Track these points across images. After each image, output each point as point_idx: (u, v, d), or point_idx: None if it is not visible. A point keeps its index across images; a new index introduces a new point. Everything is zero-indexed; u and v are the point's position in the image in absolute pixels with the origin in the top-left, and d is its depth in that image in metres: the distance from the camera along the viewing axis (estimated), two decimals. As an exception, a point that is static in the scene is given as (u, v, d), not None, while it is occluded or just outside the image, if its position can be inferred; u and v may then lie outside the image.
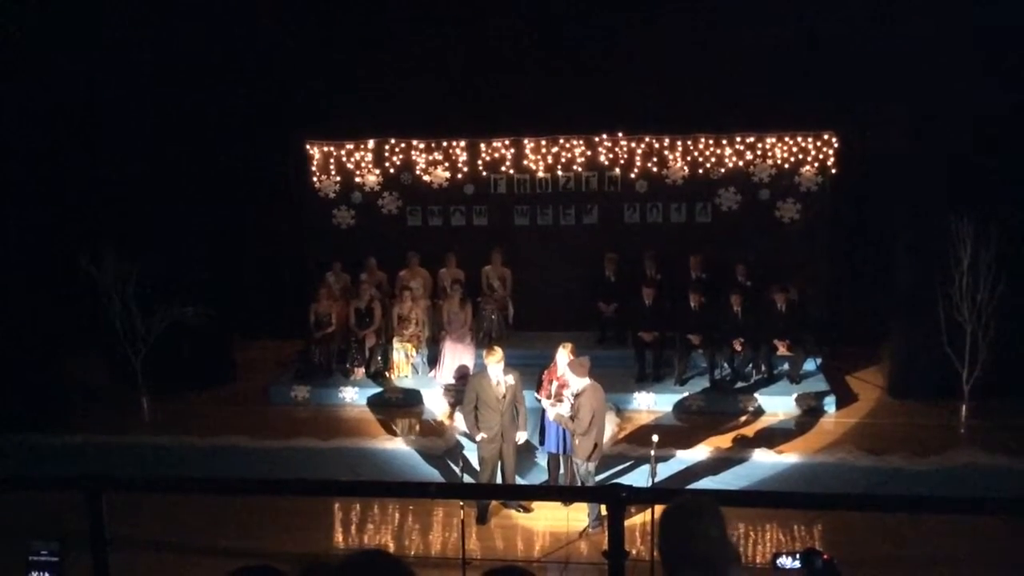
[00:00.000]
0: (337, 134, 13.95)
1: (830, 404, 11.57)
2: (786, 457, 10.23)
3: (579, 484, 8.96)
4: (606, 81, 12.85)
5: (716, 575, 3.25)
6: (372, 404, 12.18)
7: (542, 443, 9.64)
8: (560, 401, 9.10)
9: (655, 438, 9.22)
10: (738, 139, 13.26)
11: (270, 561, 3.25)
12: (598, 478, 9.23)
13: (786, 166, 13.26)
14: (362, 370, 12.68)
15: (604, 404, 9.02)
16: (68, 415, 11.80)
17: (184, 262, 12.30)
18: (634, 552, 7.68)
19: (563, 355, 9.24)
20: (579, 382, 8.81)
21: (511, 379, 9.06)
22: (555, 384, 9.28)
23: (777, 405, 11.56)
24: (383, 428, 11.51)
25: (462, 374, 12.00)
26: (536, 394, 9.55)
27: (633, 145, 13.47)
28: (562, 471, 9.47)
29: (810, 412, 11.46)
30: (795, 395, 11.61)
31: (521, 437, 9.34)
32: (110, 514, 4.25)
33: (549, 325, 12.83)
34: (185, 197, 12.29)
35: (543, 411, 9.44)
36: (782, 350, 12.00)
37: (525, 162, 13.69)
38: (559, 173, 13.67)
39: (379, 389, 12.32)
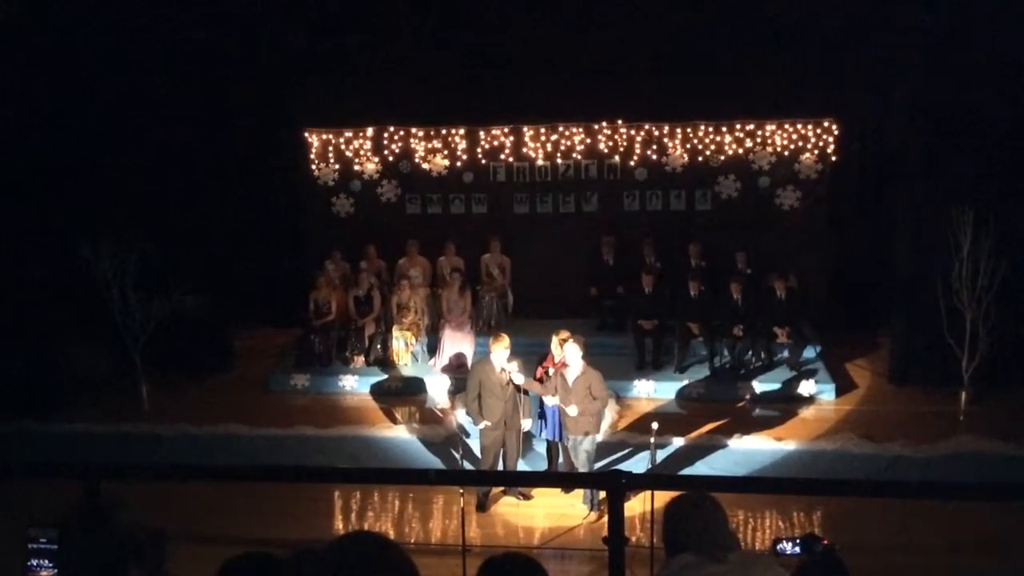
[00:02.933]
0: (336, 122, 13.89)
1: (829, 391, 11.56)
2: (786, 444, 10.24)
3: (578, 469, 8.98)
4: (605, 68, 12.79)
5: (715, 560, 3.35)
6: (372, 392, 12.17)
7: (542, 430, 9.65)
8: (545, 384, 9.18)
9: (655, 425, 9.25)
10: (738, 126, 13.22)
11: (269, 549, 3.24)
12: (597, 465, 9.24)
13: (786, 153, 13.22)
14: (361, 358, 12.66)
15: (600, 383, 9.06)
16: (66, 403, 11.78)
17: (183, 250, 12.26)
18: (634, 539, 7.70)
19: (556, 343, 9.28)
20: (578, 361, 8.86)
21: (514, 366, 9.06)
22: (551, 371, 9.29)
23: (776, 392, 11.55)
24: (383, 416, 11.50)
25: (460, 362, 11.99)
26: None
27: (632, 133, 13.42)
28: (560, 459, 9.49)
29: (810, 399, 11.45)
30: (794, 382, 11.60)
31: (526, 425, 9.34)
32: (108, 502, 4.23)
33: (548, 313, 12.79)
34: (184, 185, 12.25)
35: (540, 399, 9.44)
36: (782, 338, 11.98)
37: (524, 150, 13.64)
38: (558, 161, 13.62)
39: (379, 377, 12.31)
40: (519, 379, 9.11)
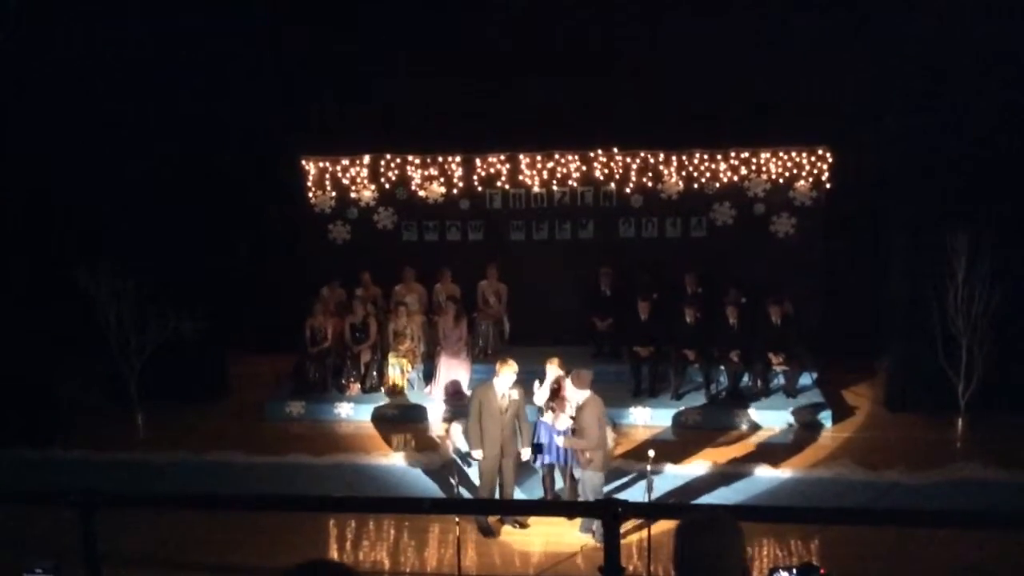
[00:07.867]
0: (333, 149, 13.96)
1: (826, 418, 11.55)
2: (783, 472, 10.21)
3: (582, 497, 8.91)
4: (601, 96, 12.88)
5: None
6: (368, 419, 12.13)
7: (536, 458, 9.57)
8: (553, 411, 9.10)
9: (651, 453, 9.19)
10: (733, 154, 13.31)
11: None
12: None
13: (781, 181, 13.30)
14: (357, 385, 12.64)
15: (604, 415, 8.98)
16: (62, 430, 11.73)
17: (179, 277, 12.27)
18: (631, 568, 7.67)
19: (552, 369, 9.27)
20: (580, 395, 8.80)
21: (515, 394, 9.03)
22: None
23: (773, 419, 11.54)
24: (379, 443, 11.46)
25: (456, 389, 11.98)
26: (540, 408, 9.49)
27: (628, 160, 13.51)
28: (559, 485, 9.43)
29: (806, 426, 11.44)
30: (791, 409, 11.60)
31: (525, 453, 9.30)
32: (103, 530, 4.22)
33: (545, 340, 12.79)
34: (181, 212, 12.27)
35: (536, 426, 9.39)
36: (778, 364, 11.99)
37: (520, 177, 13.71)
38: (554, 188, 13.69)
39: (375, 404, 12.28)
40: (540, 398, 9.16)
